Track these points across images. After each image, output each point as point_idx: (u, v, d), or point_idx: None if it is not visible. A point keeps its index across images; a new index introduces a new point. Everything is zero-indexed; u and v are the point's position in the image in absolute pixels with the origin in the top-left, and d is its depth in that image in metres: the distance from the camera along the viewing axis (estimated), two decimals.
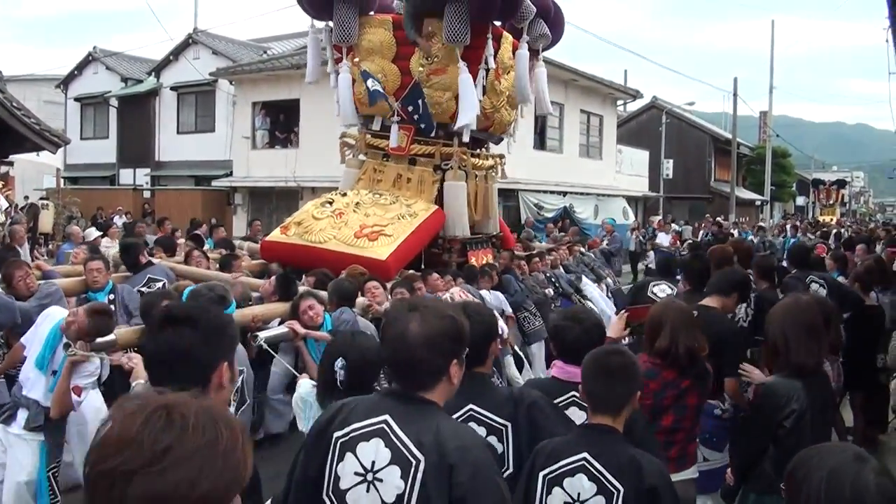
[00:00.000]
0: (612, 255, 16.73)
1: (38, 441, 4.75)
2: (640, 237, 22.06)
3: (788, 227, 27.65)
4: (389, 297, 6.59)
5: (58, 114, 30.55)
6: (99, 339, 4.44)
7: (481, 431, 2.91)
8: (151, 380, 2.28)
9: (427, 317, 2.30)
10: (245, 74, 23.79)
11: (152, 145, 28.23)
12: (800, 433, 3.42)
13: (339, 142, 9.63)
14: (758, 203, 45.56)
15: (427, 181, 8.88)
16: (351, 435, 2.29)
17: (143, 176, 28.58)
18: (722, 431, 4.67)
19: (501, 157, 10.23)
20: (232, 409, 3.91)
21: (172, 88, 27.46)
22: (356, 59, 8.98)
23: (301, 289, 6.31)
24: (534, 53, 9.46)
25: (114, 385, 4.46)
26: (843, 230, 28.85)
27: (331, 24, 9.04)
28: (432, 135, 8.91)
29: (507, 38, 9.18)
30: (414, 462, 2.19)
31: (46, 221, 18.26)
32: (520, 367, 7.90)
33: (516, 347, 8.13)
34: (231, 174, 24.35)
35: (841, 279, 8.55)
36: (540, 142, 24.02)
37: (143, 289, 6.82)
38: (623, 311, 4.50)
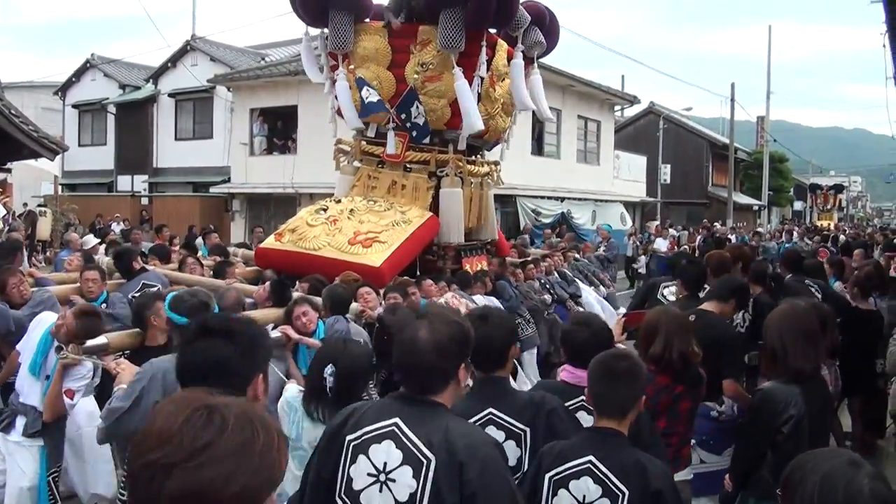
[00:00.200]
0: (609, 261, 16.74)
1: (37, 447, 4.76)
2: (638, 242, 22.09)
3: (786, 231, 27.66)
4: (383, 302, 6.58)
5: (56, 121, 30.57)
6: (90, 343, 4.41)
7: (500, 435, 2.95)
8: (184, 389, 2.29)
9: (435, 323, 2.40)
10: (243, 81, 23.81)
11: (150, 152, 28.24)
12: (798, 438, 3.42)
13: (334, 148, 9.63)
14: (755, 208, 45.61)
15: (422, 188, 8.87)
16: (363, 438, 2.36)
17: (140, 182, 28.57)
18: (718, 434, 4.71)
19: (497, 163, 10.24)
20: None
21: (170, 95, 27.48)
22: (351, 67, 8.99)
23: (295, 295, 6.29)
24: (529, 61, 9.47)
25: (105, 389, 4.44)
26: (841, 235, 28.87)
27: (326, 31, 9.05)
28: (427, 142, 8.92)
29: (502, 45, 9.19)
30: (425, 462, 2.27)
31: (44, 228, 18.23)
32: (513, 374, 7.90)
33: None
34: (229, 181, 24.36)
35: (838, 284, 8.57)
36: (537, 147, 24.07)
37: (136, 295, 6.83)
38: (620, 317, 4.55)
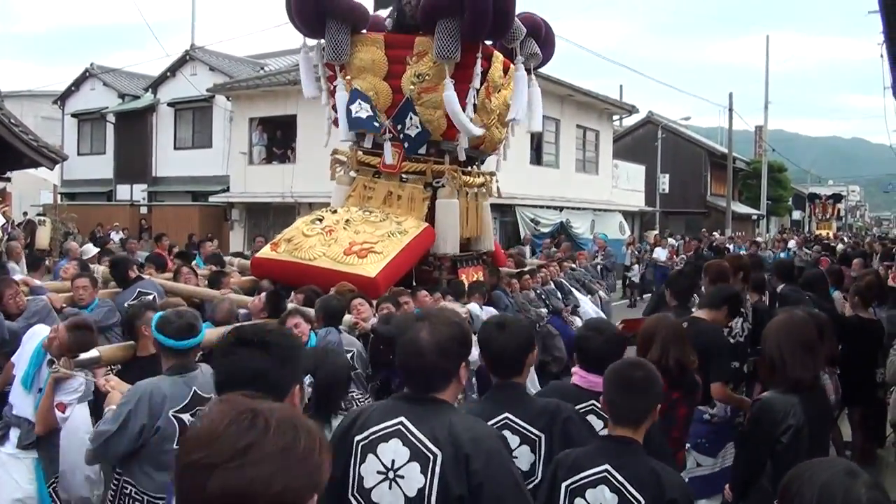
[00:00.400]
0: (608, 269, 16.76)
1: (31, 458, 4.74)
2: (636, 251, 22.12)
3: (782, 241, 27.60)
4: (376, 313, 6.57)
5: (55, 130, 30.59)
6: (82, 356, 4.40)
7: (515, 440, 2.99)
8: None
9: (436, 325, 2.50)
10: (242, 90, 23.85)
11: (149, 161, 28.25)
12: (797, 448, 3.42)
13: (331, 158, 9.64)
14: (754, 217, 45.69)
15: (417, 198, 8.88)
16: (370, 437, 2.45)
17: (139, 192, 28.57)
18: (713, 435, 4.82)
19: (493, 174, 10.24)
20: None
21: (169, 104, 27.51)
22: (348, 77, 9.00)
23: (290, 306, 6.28)
24: (526, 72, 9.52)
25: (98, 401, 4.44)
26: (840, 244, 28.89)
27: (323, 42, 9.07)
28: (423, 152, 8.93)
29: (498, 57, 9.20)
30: (432, 457, 2.36)
31: (43, 237, 18.22)
32: None
33: None
34: (228, 190, 24.37)
35: (837, 294, 8.58)
36: (536, 157, 24.09)
37: (133, 303, 6.84)
38: (619, 324, 4.60)
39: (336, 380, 3.78)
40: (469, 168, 9.64)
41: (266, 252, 8.60)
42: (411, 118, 8.66)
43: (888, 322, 7.34)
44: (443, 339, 2.47)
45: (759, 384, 5.75)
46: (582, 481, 2.80)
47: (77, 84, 31.40)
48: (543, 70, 11.59)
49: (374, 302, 6.79)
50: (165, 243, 13.65)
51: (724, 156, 38.75)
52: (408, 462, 2.38)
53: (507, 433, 2.95)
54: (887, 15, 8.46)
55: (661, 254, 21.21)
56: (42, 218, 19.52)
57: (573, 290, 10.77)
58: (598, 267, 15.48)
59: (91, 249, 12.27)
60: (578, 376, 3.59)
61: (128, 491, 3.81)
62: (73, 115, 31.21)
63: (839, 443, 6.82)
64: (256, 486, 1.29)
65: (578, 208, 25.62)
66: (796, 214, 57.95)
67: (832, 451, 6.16)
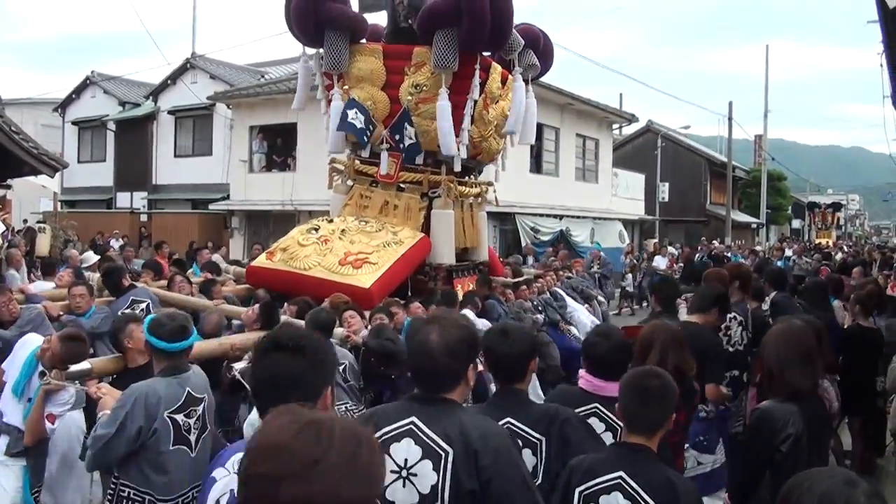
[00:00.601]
0: (606, 277, 16.75)
1: (20, 465, 4.75)
2: (634, 260, 22.13)
3: (780, 249, 27.50)
4: (368, 324, 6.54)
5: (55, 137, 30.60)
6: (73, 368, 4.41)
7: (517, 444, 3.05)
8: (259, 403, 2.38)
9: (445, 327, 2.59)
10: (242, 98, 23.89)
11: (149, 169, 28.27)
12: (796, 457, 3.42)
13: (328, 167, 9.64)
14: (754, 226, 45.72)
15: (413, 208, 8.86)
16: (383, 438, 2.50)
17: (140, 199, 28.58)
18: (711, 431, 4.99)
19: (490, 184, 10.24)
20: (193, 438, 3.96)
21: (170, 112, 27.55)
22: (346, 87, 9.01)
23: (283, 318, 6.24)
24: (524, 83, 9.53)
25: (90, 407, 4.44)
26: (839, 252, 28.87)
27: (322, 51, 9.08)
28: (419, 162, 8.92)
29: (496, 68, 9.21)
30: (443, 454, 2.45)
31: (43, 245, 18.20)
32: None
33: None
34: (228, 198, 24.38)
35: (837, 303, 8.58)
36: (536, 165, 24.11)
37: (126, 311, 6.84)
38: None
39: None
40: (466, 178, 9.63)
41: (261, 261, 8.57)
42: (407, 129, 8.66)
43: (887, 331, 7.35)
44: (451, 341, 2.55)
45: (752, 388, 5.79)
46: (595, 487, 2.83)
47: (77, 92, 31.44)
48: (543, 79, 11.61)
49: (367, 313, 6.77)
50: (165, 251, 13.67)
51: (723, 164, 38.77)
52: (420, 460, 2.46)
53: None
54: (887, 24, 8.47)
55: (660, 262, 21.23)
56: (42, 225, 19.50)
57: (567, 297, 10.73)
58: (596, 276, 15.49)
59: (91, 257, 12.27)
60: (584, 380, 3.66)
61: (125, 494, 3.82)
62: (74, 123, 31.23)
63: (839, 452, 6.82)
64: (323, 498, 1.33)
65: (578, 217, 25.62)
66: (796, 223, 57.97)
67: (832, 461, 6.16)
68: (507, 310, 8.94)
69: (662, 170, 34.99)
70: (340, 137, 9.23)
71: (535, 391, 8.48)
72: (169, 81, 27.84)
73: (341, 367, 5.47)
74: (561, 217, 24.57)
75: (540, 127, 23.16)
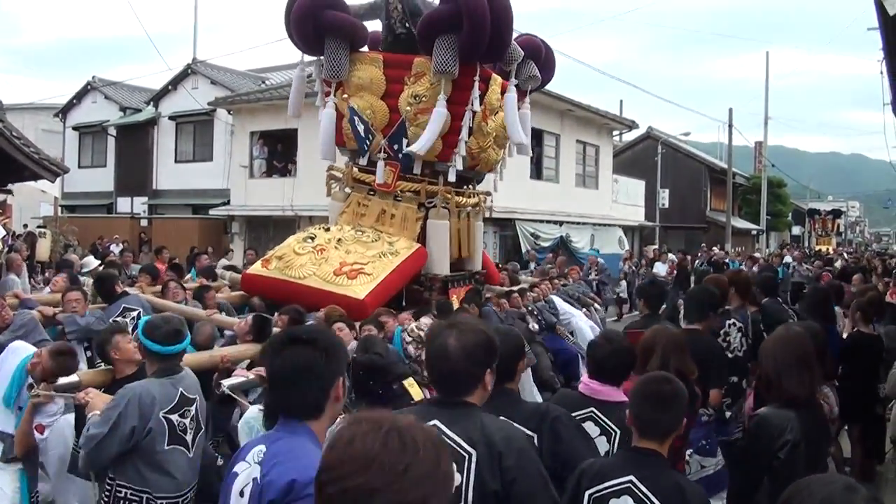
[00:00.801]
0: (604, 283, 16.74)
1: (16, 469, 4.76)
2: (632, 266, 22.13)
3: (778, 256, 27.35)
4: (357, 336, 6.49)
5: (56, 142, 30.65)
6: (62, 381, 4.43)
7: None
8: (275, 395, 2.53)
9: (464, 332, 2.64)
10: (243, 104, 23.93)
11: (150, 174, 28.31)
12: (794, 464, 3.42)
13: (326, 174, 9.62)
14: (754, 233, 45.73)
15: (410, 219, 8.81)
16: None
17: (140, 204, 28.62)
18: (712, 433, 5.03)
19: (489, 193, 10.23)
20: (190, 438, 4.00)
21: (171, 118, 27.59)
22: (345, 96, 9.00)
23: (275, 330, 6.18)
24: (522, 94, 9.50)
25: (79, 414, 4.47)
26: (840, 260, 28.83)
27: (322, 58, 9.07)
28: (417, 172, 8.90)
29: (496, 79, 9.17)
30: (467, 456, 2.50)
31: (43, 250, 18.21)
32: None
33: None
34: (228, 203, 24.41)
35: (837, 309, 8.57)
36: (536, 171, 24.14)
37: (118, 318, 6.84)
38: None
39: None
40: (464, 188, 9.61)
41: (257, 269, 8.54)
42: (405, 139, 8.65)
43: (886, 337, 7.36)
44: (469, 345, 2.60)
45: (750, 392, 5.81)
46: (605, 491, 2.86)
47: (78, 97, 31.52)
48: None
49: (358, 324, 6.74)
50: (166, 256, 13.66)
51: (723, 171, 38.79)
52: None
53: None
54: (887, 31, 8.48)
55: (661, 269, 21.27)
56: (42, 230, 19.53)
57: (565, 304, 10.70)
58: (594, 283, 15.48)
59: (92, 262, 12.31)
60: (583, 384, 3.73)
61: (122, 494, 3.85)
62: (75, 128, 31.31)
63: (839, 459, 6.81)
64: None
65: (578, 223, 25.63)
66: (796, 230, 58.00)
67: (832, 467, 6.15)
68: (503, 318, 8.92)
69: (662, 176, 35.03)
70: (331, 144, 9.22)
71: (530, 389, 8.47)
72: (170, 87, 27.90)
73: None
74: (561, 223, 24.58)
75: (540, 133, 23.28)
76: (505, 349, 3.13)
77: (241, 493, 2.36)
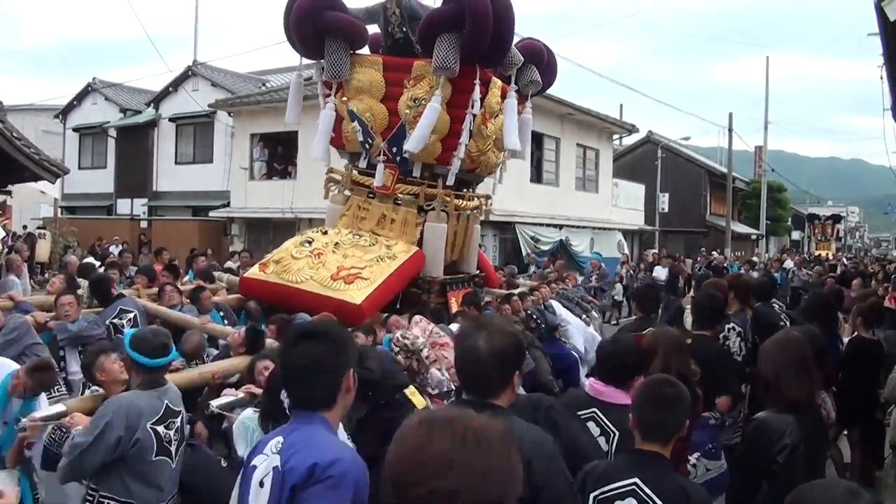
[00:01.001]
0: (603, 290, 16.72)
1: (16, 469, 4.75)
2: (631, 271, 22.13)
3: (777, 261, 27.32)
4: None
5: (56, 143, 30.67)
6: (48, 411, 4.37)
7: None
8: (290, 387, 2.59)
9: (493, 333, 2.65)
10: (244, 106, 23.95)
11: (150, 175, 28.33)
12: (793, 468, 3.42)
13: (325, 177, 9.58)
14: (753, 237, 45.74)
15: (410, 222, 8.76)
16: None
17: (140, 206, 28.64)
18: (717, 437, 5.01)
19: (488, 197, 10.20)
20: (174, 449, 4.03)
21: (171, 119, 27.62)
22: (344, 98, 8.98)
23: (268, 342, 6.05)
24: (523, 98, 9.48)
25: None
26: (839, 265, 28.84)
27: (322, 62, 9.04)
28: (417, 175, 8.87)
29: (496, 83, 9.14)
30: None
31: (43, 251, 18.23)
32: None
33: None
34: (228, 205, 24.41)
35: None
36: (536, 175, 24.16)
37: (115, 321, 6.81)
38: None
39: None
40: (463, 191, 9.59)
41: (254, 272, 8.50)
42: (404, 142, 8.62)
43: (886, 342, 7.36)
44: (497, 347, 2.60)
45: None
46: (609, 493, 2.87)
47: (79, 98, 31.55)
48: None
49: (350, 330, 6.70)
50: (165, 257, 13.62)
51: (723, 175, 38.81)
52: None
53: None
54: (887, 37, 8.49)
55: (660, 272, 21.23)
56: (42, 231, 19.56)
57: (563, 310, 10.65)
58: (593, 290, 15.46)
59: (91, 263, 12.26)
60: (590, 384, 3.78)
61: None
62: (75, 130, 31.33)
63: (839, 463, 6.81)
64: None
65: (578, 226, 25.65)
66: (795, 235, 58.02)
67: (832, 472, 6.14)
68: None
69: (662, 180, 35.06)
70: (323, 146, 9.19)
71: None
72: (170, 89, 27.93)
73: None
74: (561, 227, 24.60)
75: (540, 137, 23.30)
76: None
77: (262, 484, 2.42)
